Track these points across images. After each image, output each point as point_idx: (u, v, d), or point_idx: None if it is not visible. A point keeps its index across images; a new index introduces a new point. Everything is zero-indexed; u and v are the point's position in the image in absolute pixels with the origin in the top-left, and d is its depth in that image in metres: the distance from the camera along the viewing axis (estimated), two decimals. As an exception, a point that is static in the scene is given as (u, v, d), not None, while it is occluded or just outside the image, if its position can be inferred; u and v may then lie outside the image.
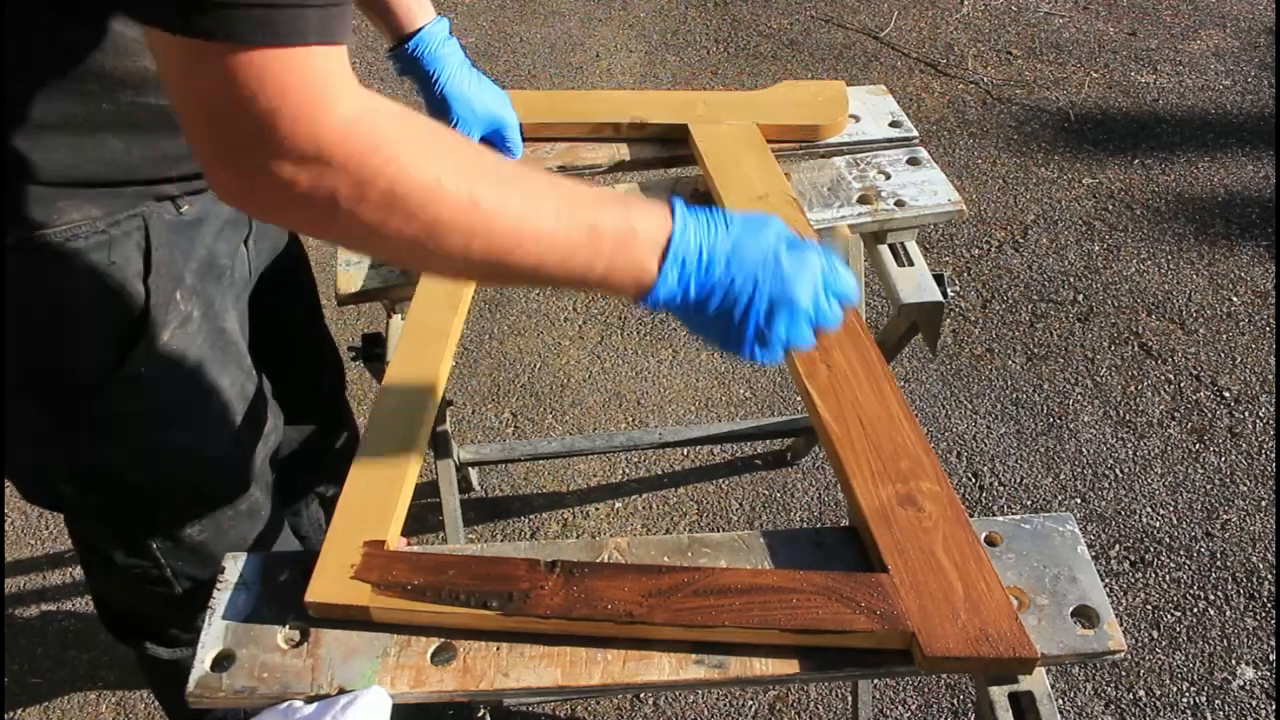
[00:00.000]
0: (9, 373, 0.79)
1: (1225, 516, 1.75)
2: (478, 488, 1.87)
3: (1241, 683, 1.53)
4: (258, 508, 1.01)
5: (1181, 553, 1.70)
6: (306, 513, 1.35)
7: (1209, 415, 1.93)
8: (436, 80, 1.06)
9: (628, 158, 1.21)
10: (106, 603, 1.10)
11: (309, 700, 0.68)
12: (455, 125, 1.08)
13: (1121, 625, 1.61)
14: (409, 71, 1.07)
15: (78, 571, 1.76)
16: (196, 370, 0.87)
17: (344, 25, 0.56)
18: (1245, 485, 1.80)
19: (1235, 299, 2.17)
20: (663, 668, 0.70)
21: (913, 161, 1.19)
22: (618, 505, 1.84)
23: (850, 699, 1.50)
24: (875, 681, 1.49)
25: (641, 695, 1.54)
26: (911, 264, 1.13)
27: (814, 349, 0.89)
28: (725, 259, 0.68)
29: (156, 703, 1.56)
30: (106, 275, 0.77)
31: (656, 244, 0.66)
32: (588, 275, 0.64)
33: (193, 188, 0.82)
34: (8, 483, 0.96)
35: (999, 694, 0.70)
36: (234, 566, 0.77)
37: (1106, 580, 1.67)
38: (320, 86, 0.54)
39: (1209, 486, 1.80)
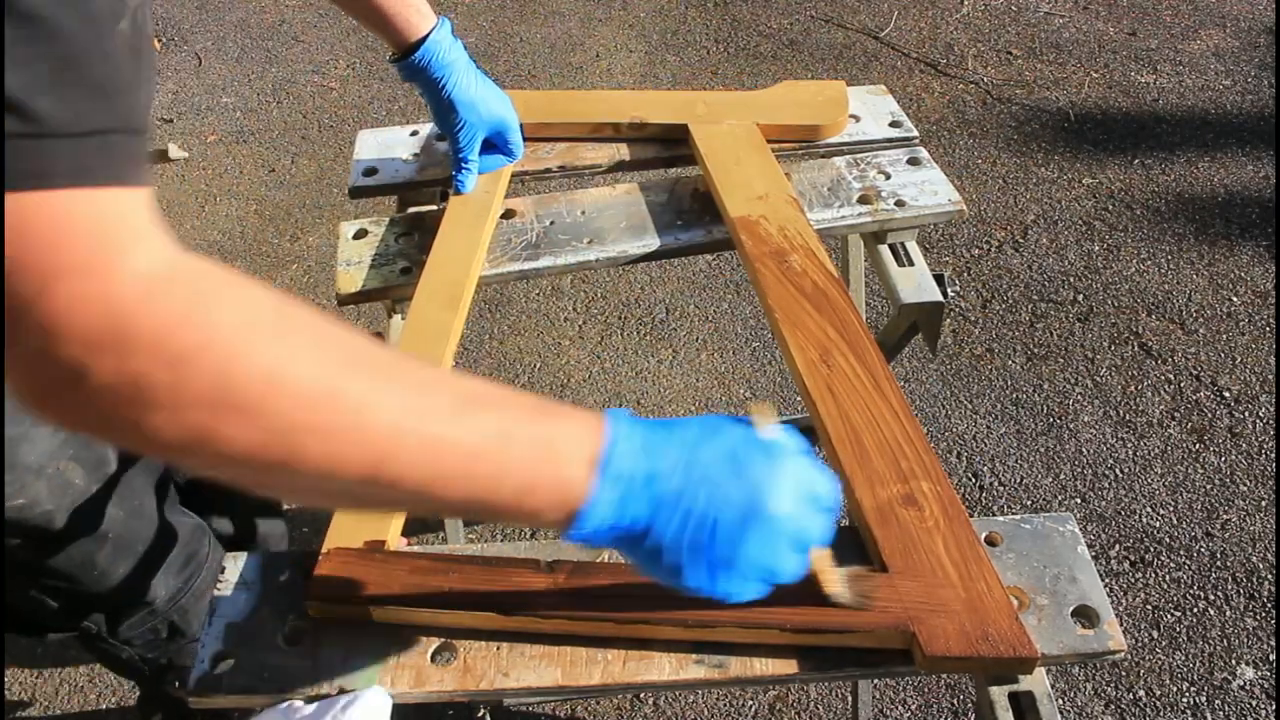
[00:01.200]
0: None
1: (1225, 516, 1.75)
2: (478, 488, 1.87)
3: (1241, 683, 1.53)
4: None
5: (1181, 553, 1.70)
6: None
7: (1209, 415, 1.93)
8: (444, 86, 1.06)
9: (628, 158, 1.21)
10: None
11: (309, 700, 0.68)
12: (461, 129, 1.08)
13: (1121, 625, 1.61)
14: (415, 79, 1.07)
15: (78, 571, 1.76)
16: None
17: (139, 161, 0.44)
18: (1245, 485, 1.80)
19: (1235, 299, 2.17)
20: (663, 668, 0.70)
21: (913, 161, 1.19)
22: (618, 505, 1.84)
23: (850, 699, 1.50)
24: (875, 681, 1.49)
25: (641, 695, 1.54)
26: (911, 264, 1.13)
27: (815, 350, 0.90)
28: (680, 466, 0.55)
29: (156, 703, 1.56)
30: None
31: (586, 455, 0.52)
32: (494, 494, 0.50)
33: None
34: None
35: (999, 694, 0.70)
36: (234, 566, 0.77)
37: (1106, 580, 1.67)
38: (111, 236, 0.41)
39: (1209, 486, 1.80)
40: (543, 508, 0.52)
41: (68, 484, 1.00)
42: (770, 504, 0.55)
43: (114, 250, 0.40)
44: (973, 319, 2.17)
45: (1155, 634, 1.59)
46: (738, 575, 0.56)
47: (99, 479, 1.04)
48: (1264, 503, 1.77)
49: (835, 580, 0.68)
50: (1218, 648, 1.57)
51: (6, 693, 1.59)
